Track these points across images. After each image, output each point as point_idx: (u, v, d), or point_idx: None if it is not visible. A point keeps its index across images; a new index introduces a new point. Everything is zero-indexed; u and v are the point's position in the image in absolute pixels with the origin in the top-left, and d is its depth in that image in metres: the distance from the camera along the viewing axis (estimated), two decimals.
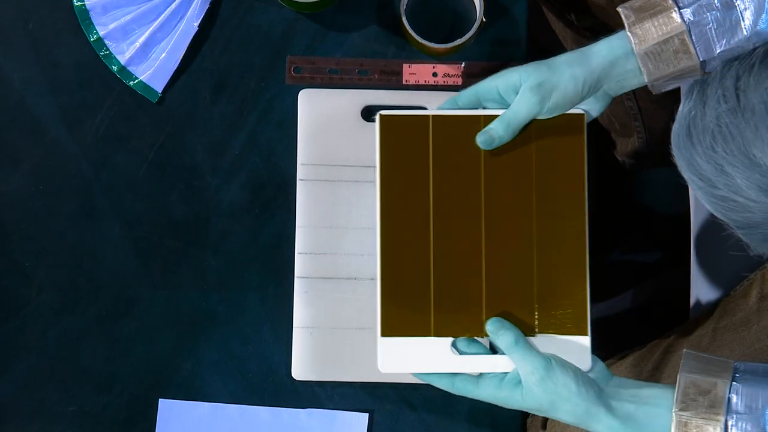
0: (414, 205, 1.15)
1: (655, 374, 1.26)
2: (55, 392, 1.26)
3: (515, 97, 1.12)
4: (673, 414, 1.03)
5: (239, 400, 1.26)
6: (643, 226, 1.74)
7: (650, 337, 1.29)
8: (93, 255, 1.27)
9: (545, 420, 1.28)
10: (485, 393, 1.11)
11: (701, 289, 1.38)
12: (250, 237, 1.27)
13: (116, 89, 1.29)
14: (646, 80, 1.08)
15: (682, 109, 0.94)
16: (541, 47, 1.38)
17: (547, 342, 1.14)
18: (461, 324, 1.15)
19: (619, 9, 1.08)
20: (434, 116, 1.15)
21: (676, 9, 1.05)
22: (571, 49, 1.39)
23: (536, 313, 1.15)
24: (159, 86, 1.28)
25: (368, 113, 1.28)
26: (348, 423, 1.24)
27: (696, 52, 1.05)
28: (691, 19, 1.04)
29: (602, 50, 1.09)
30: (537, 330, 1.14)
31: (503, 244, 1.15)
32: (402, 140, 1.15)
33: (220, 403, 1.26)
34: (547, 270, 1.15)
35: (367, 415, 1.25)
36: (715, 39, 1.03)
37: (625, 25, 1.07)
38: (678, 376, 1.04)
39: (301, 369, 1.26)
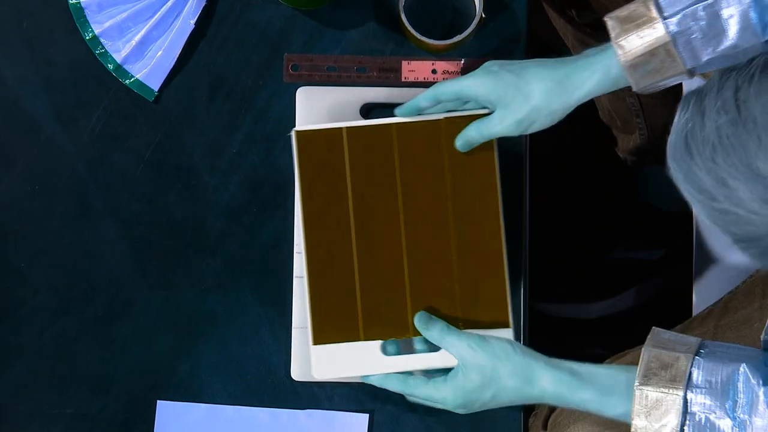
0: (335, 216, 1.20)
1: None
2: (51, 394, 1.26)
3: (494, 109, 1.16)
4: (635, 388, 1.04)
5: (238, 402, 1.26)
6: (645, 224, 1.74)
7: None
8: (89, 255, 1.27)
9: (546, 419, 1.28)
10: (432, 389, 1.15)
11: (703, 287, 1.39)
12: (248, 237, 1.27)
13: (112, 88, 1.29)
14: (633, 88, 1.10)
15: (678, 120, 0.93)
16: (541, 43, 1.39)
17: None
18: (389, 326, 1.19)
19: (606, 19, 1.10)
20: (348, 128, 1.19)
21: (660, 20, 1.06)
22: (573, 47, 1.44)
23: (459, 310, 1.20)
24: (155, 85, 1.28)
25: (367, 111, 1.28)
26: (348, 424, 1.24)
27: (682, 60, 1.07)
28: (676, 29, 1.05)
29: (586, 83, 1.11)
30: (461, 327, 1.19)
31: (424, 247, 1.20)
32: (319, 153, 1.20)
33: (219, 404, 1.26)
34: (467, 270, 1.20)
35: (367, 415, 1.25)
36: (701, 47, 1.05)
37: (611, 36, 1.09)
38: (642, 350, 1.06)
39: (300, 369, 1.25)
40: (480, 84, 1.14)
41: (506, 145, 1.24)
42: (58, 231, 1.28)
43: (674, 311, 1.46)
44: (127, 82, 1.28)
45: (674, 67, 1.07)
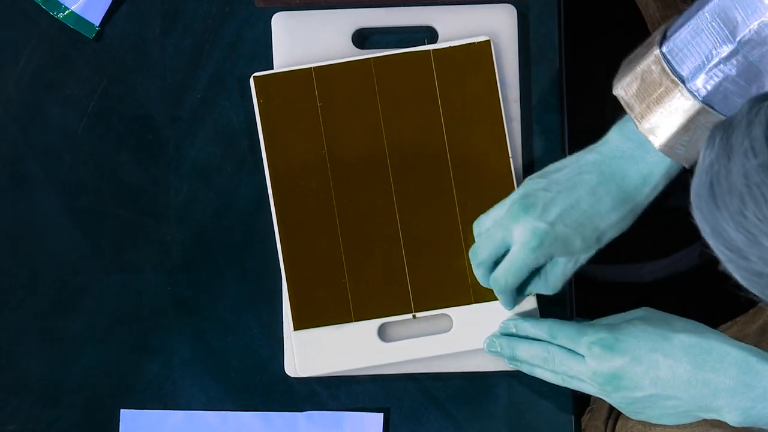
0: (310, 174, 1.20)
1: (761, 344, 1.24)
2: None
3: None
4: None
5: (221, 406, 1.23)
6: None
7: (722, 295, 1.23)
8: (28, 234, 1.24)
9: (607, 420, 1.25)
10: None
11: None
12: (221, 202, 1.24)
13: (41, 24, 1.24)
14: (686, 166, 1.11)
15: (703, 161, 0.89)
16: None
17: (488, 310, 1.19)
18: (385, 302, 1.19)
19: (616, 93, 1.11)
20: (317, 68, 1.20)
21: (681, 86, 1.07)
22: (651, 21, 1.39)
23: (470, 279, 1.19)
24: (96, 18, 1.24)
25: (361, 39, 1.22)
26: (358, 426, 1.22)
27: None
28: (707, 92, 1.06)
29: (651, 193, 1.14)
30: (473, 299, 1.20)
31: (419, 203, 1.20)
32: (286, 102, 1.21)
33: (198, 410, 1.23)
34: (473, 218, 1.20)
35: (381, 415, 1.22)
36: (740, 97, 1.06)
37: (632, 118, 1.10)
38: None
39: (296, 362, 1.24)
40: (544, 255, 1.14)
41: (538, 71, 1.23)
42: None
43: None
44: (60, 15, 1.24)
45: None
